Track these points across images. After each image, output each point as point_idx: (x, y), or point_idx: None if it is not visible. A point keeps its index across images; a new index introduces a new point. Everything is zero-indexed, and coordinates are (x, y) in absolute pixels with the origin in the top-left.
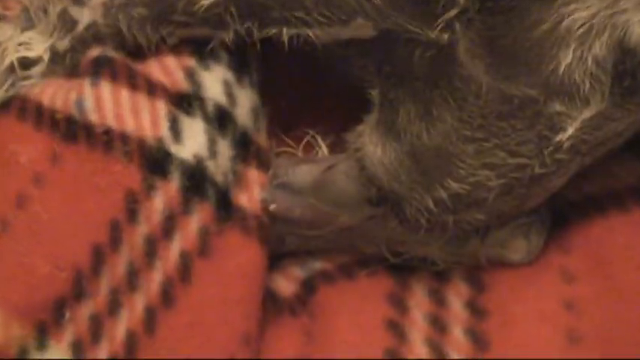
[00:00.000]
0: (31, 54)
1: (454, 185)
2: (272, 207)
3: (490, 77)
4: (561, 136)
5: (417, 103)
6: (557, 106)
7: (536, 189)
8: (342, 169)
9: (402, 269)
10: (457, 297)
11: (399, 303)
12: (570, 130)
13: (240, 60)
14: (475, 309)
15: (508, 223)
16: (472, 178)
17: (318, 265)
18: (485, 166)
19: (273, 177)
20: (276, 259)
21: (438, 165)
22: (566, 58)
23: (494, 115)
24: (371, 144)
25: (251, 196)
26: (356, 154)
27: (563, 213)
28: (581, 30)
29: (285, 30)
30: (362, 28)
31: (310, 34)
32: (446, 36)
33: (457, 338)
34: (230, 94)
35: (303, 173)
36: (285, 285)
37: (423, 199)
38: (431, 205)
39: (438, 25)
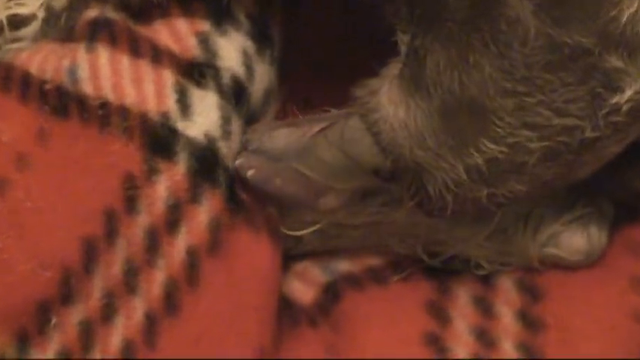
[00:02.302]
0: (24, 11)
1: (491, 147)
2: (249, 173)
3: (539, 20)
4: (619, 98)
5: (450, 48)
6: (615, 61)
7: (586, 156)
8: (331, 134)
9: (442, 273)
10: (507, 306)
11: (439, 313)
12: (629, 92)
13: (262, 28)
14: (528, 320)
15: (562, 215)
16: (511, 139)
17: (342, 267)
18: (526, 126)
19: (249, 142)
20: (292, 260)
21: (472, 123)
22: (632, 4)
23: (540, 65)
24: (390, 104)
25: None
26: (369, 115)
27: (630, 206)
28: None
29: None
30: None
31: None
32: None
33: (507, 355)
34: (249, 67)
35: (283, 138)
36: (304, 290)
37: (452, 167)
38: (462, 174)
39: None
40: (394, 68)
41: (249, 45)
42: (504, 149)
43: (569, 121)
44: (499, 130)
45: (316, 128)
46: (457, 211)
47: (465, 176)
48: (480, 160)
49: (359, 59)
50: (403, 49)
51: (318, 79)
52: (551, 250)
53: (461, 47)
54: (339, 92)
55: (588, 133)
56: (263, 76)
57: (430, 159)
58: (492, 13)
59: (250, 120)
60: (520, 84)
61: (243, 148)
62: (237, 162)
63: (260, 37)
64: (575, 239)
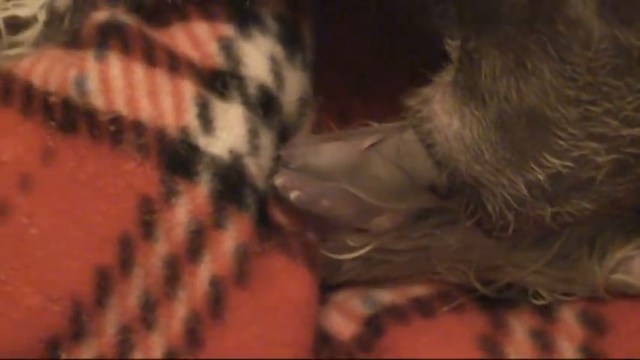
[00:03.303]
0: (23, 12)
1: (553, 161)
2: (293, 195)
3: (604, 21)
4: None
5: (506, 53)
6: None
7: None
8: (385, 149)
9: (496, 303)
10: (568, 340)
11: (494, 348)
12: None
13: (292, 31)
14: (593, 356)
15: (632, 238)
16: (575, 152)
17: (385, 298)
18: (592, 137)
19: (289, 159)
20: (330, 291)
21: (533, 135)
22: None
23: (606, 70)
24: (444, 113)
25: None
26: (422, 126)
27: None
28: None
29: None
30: None
31: None
32: None
33: None
34: (277, 74)
35: (331, 153)
36: (344, 324)
37: (512, 183)
38: (523, 190)
39: None
40: (448, 75)
41: (278, 50)
42: (568, 163)
43: (639, 132)
44: (562, 142)
45: (367, 143)
46: (519, 230)
47: (526, 193)
48: (541, 176)
49: (399, 70)
50: (455, 54)
51: (356, 91)
52: (619, 277)
53: (517, 51)
54: (377, 105)
55: None
56: (295, 84)
57: (488, 174)
58: (550, 14)
59: (284, 133)
60: (584, 91)
61: (284, 165)
62: (278, 182)
63: (290, 40)
64: None
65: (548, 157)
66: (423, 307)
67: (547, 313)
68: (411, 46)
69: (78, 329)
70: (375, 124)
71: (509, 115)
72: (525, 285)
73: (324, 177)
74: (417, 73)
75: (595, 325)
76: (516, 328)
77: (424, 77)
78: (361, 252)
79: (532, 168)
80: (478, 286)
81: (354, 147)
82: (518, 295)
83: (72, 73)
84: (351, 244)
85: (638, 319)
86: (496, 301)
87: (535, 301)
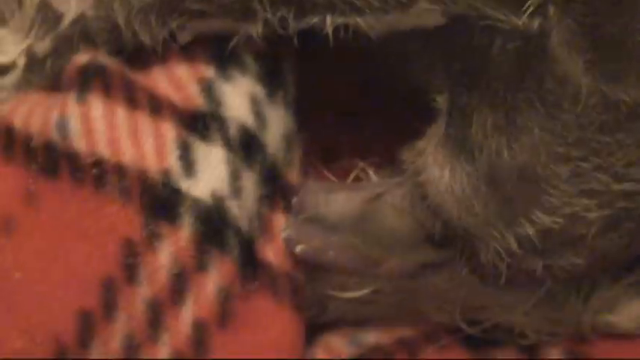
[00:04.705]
0: (2, 59)
1: (544, 218)
2: (299, 248)
3: (591, 77)
4: None
5: (496, 110)
6: None
7: None
8: (392, 199)
9: (482, 343)
10: None
11: None
12: None
13: (273, 69)
14: None
15: (618, 278)
16: (567, 209)
17: (370, 339)
18: (583, 194)
19: (300, 208)
20: (315, 331)
21: (523, 192)
22: None
23: (595, 126)
24: (435, 165)
25: (278, 248)
26: (415, 178)
27: None
28: None
29: (329, 18)
30: (427, 15)
31: (361, 23)
32: (536, 23)
33: None
34: (258, 114)
35: (340, 204)
36: None
37: (503, 237)
38: (513, 245)
39: (527, 9)
40: (439, 126)
41: (258, 89)
42: (559, 220)
43: (630, 186)
44: (553, 199)
45: (376, 192)
46: (511, 279)
47: (516, 247)
48: (531, 231)
49: (386, 108)
50: (443, 107)
51: (340, 127)
52: (605, 317)
53: (507, 108)
54: (362, 141)
55: None
56: (277, 122)
57: (479, 226)
58: (538, 70)
59: (273, 171)
60: (574, 148)
61: (295, 213)
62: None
63: (270, 78)
64: (633, 305)
65: (538, 213)
66: (409, 348)
67: (532, 352)
68: (397, 84)
69: None
70: (379, 179)
71: (500, 171)
72: (511, 325)
73: (332, 228)
74: (403, 110)
75: None
76: None
77: (410, 114)
78: (359, 293)
79: (522, 223)
80: (464, 326)
81: (364, 197)
82: (504, 334)
83: (53, 115)
84: (350, 284)
85: (623, 358)
86: (482, 340)
87: (521, 341)
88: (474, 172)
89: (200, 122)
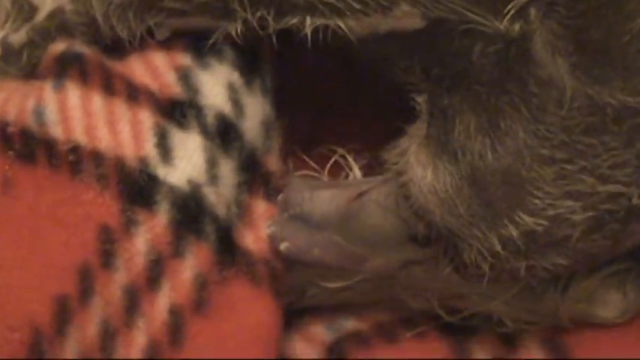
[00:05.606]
0: None
1: (527, 220)
2: (283, 246)
3: (576, 80)
4: None
5: (479, 113)
6: None
7: (634, 225)
8: (376, 197)
9: (460, 331)
10: None
11: None
12: None
13: (250, 57)
14: None
15: (597, 270)
16: (551, 211)
17: (349, 324)
18: (568, 196)
19: (285, 205)
20: (293, 317)
21: (507, 194)
22: None
23: (580, 128)
24: (418, 165)
25: (258, 235)
26: (398, 178)
27: None
28: None
29: (308, 19)
30: (407, 18)
31: (341, 25)
32: (517, 26)
33: None
34: (236, 102)
35: (325, 202)
36: (307, 350)
37: (486, 238)
38: (497, 246)
39: (508, 12)
40: (421, 126)
41: (236, 77)
42: (543, 222)
43: (615, 188)
44: (537, 201)
45: (360, 190)
46: (495, 278)
47: (499, 248)
48: (515, 233)
49: (363, 96)
50: (424, 108)
51: (320, 116)
52: (583, 307)
53: (490, 111)
54: (342, 130)
55: (635, 200)
56: (256, 110)
57: (462, 226)
58: (520, 74)
59: (251, 158)
60: (559, 150)
61: (281, 210)
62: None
63: (248, 67)
64: (610, 295)
65: (522, 215)
66: (386, 333)
67: (510, 341)
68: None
69: (37, 357)
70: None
71: (483, 173)
72: (490, 313)
73: (317, 226)
74: (382, 100)
75: (557, 353)
76: (480, 355)
77: (389, 105)
78: (340, 284)
79: (506, 225)
80: (442, 313)
81: (349, 195)
82: (482, 322)
83: (30, 103)
84: (331, 275)
85: (601, 348)
86: (459, 328)
87: (499, 330)
88: (456, 172)
89: (177, 110)
